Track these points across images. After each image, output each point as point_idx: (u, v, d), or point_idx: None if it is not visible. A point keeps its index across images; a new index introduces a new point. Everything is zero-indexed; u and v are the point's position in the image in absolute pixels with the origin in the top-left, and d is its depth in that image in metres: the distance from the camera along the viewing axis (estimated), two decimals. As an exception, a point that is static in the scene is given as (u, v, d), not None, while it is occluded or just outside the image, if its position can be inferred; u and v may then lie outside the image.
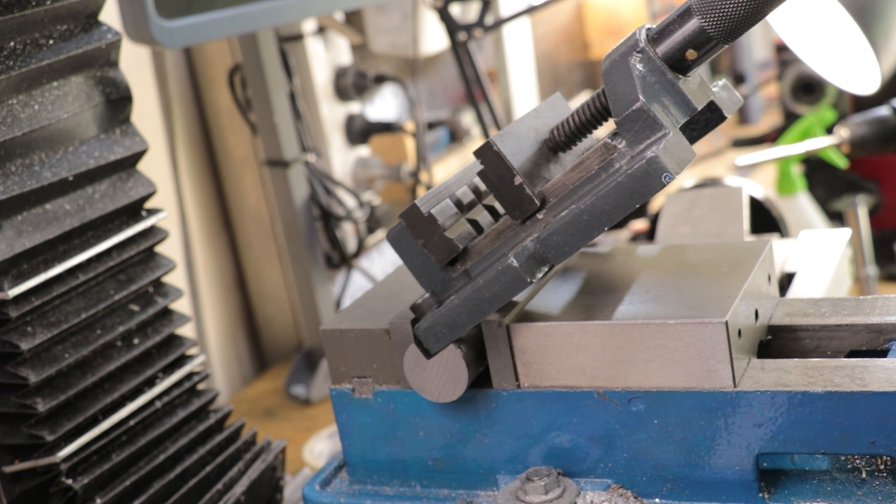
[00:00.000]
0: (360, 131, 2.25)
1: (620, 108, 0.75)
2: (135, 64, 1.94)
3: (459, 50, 2.18)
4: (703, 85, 0.80)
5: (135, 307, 1.13)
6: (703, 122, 0.85)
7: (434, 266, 0.83)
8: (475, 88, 2.24)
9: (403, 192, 2.36)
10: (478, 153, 0.80)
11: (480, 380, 0.87)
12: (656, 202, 2.42)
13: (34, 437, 1.01)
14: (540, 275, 0.80)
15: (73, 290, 1.05)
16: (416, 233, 0.83)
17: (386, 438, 0.92)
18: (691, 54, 0.76)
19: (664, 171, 0.73)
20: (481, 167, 0.80)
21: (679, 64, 0.76)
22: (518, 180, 0.79)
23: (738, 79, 4.12)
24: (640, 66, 0.75)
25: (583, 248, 0.79)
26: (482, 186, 0.89)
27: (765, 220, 1.88)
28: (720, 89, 0.84)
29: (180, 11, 1.44)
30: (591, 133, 0.85)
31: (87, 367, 1.07)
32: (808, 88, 2.33)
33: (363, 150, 2.28)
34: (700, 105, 0.77)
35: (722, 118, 0.83)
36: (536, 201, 0.79)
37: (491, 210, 0.88)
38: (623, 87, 0.75)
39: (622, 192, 0.75)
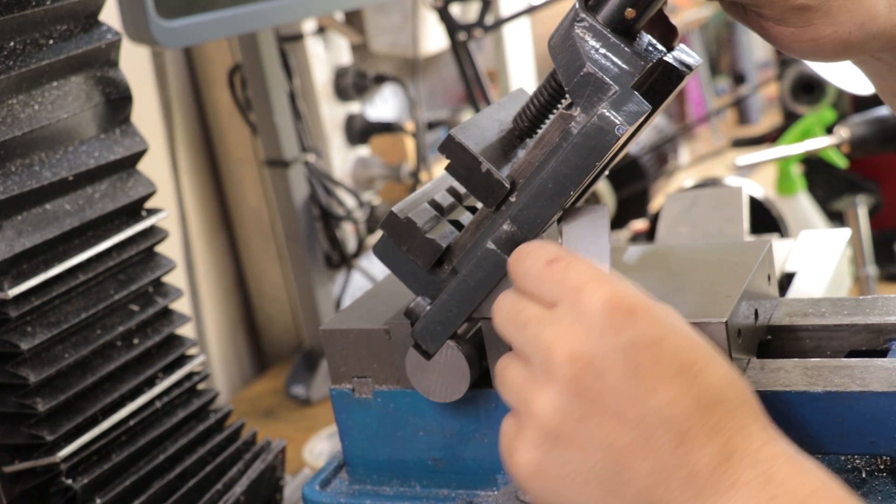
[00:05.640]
0: (360, 131, 2.24)
1: (570, 77, 0.75)
2: (135, 64, 1.94)
3: (459, 50, 2.18)
4: (651, 45, 0.79)
5: (135, 307, 1.13)
6: (661, 83, 0.84)
7: (422, 271, 0.83)
8: (475, 88, 2.24)
9: (403, 192, 2.35)
10: (441, 148, 0.79)
11: (480, 380, 0.87)
12: (656, 202, 2.42)
13: (34, 437, 1.01)
14: None
15: (72, 290, 1.05)
16: (397, 240, 0.82)
17: (386, 438, 0.92)
18: (630, 13, 0.76)
19: (615, 124, 0.73)
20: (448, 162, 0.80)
21: (621, 25, 0.76)
22: (485, 167, 0.78)
23: (738, 79, 4.11)
24: (582, 35, 0.75)
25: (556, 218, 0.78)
26: (461, 189, 0.88)
27: (765, 220, 1.88)
28: (676, 51, 0.83)
29: (180, 11, 1.44)
30: (553, 113, 0.84)
31: (87, 367, 1.07)
32: (808, 88, 2.33)
33: (363, 150, 2.28)
34: (648, 62, 0.76)
35: (681, 76, 0.82)
36: (506, 184, 0.78)
37: (472, 211, 0.87)
38: (569, 56, 0.75)
39: (580, 153, 0.74)
